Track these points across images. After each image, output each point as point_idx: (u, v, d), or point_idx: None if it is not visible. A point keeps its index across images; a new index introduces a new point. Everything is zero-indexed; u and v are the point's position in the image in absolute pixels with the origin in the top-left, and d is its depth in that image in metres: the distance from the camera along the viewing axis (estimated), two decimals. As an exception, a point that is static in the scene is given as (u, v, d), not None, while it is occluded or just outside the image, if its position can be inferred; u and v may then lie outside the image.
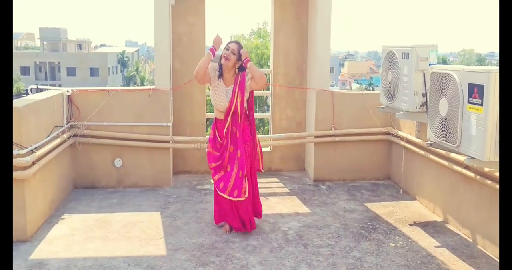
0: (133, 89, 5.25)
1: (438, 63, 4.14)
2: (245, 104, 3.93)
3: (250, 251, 3.64)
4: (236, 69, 3.88)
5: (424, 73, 3.93)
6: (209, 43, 5.44)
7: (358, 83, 58.44)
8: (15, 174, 3.58)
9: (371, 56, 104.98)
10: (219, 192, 3.90)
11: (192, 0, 5.45)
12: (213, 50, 3.83)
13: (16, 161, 3.55)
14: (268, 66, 6.04)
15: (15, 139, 3.56)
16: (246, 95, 3.90)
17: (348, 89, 53.53)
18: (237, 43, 3.87)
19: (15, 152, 3.55)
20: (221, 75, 3.89)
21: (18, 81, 44.14)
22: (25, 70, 49.60)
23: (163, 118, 5.07)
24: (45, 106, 4.20)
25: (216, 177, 3.95)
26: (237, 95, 3.82)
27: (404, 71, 4.09)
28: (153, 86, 5.11)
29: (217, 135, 3.96)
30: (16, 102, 3.81)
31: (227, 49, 3.81)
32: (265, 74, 6.96)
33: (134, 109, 5.02)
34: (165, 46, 5.02)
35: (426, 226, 4.23)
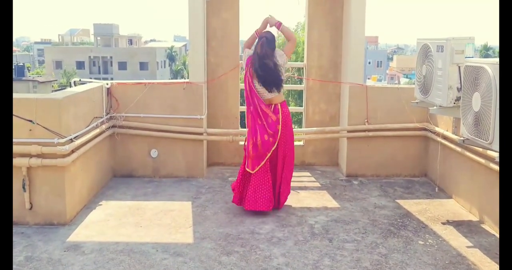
0: (169, 83, 5.41)
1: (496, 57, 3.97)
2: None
3: (274, 243, 3.69)
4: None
5: (459, 67, 3.78)
6: (243, 37, 5.51)
7: (407, 77, 56.42)
8: (55, 161, 3.83)
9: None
10: None
11: (226, -5, 5.53)
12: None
13: (55, 149, 3.79)
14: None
15: (55, 128, 3.79)
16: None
17: (396, 84, 51.85)
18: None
19: (55, 140, 3.79)
20: None
21: (74, 75, 46.46)
22: (80, 65, 52.17)
23: (197, 111, 5.20)
24: (84, 98, 4.43)
25: None
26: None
27: (438, 65, 3.95)
28: (187, 80, 5.24)
29: None
30: (56, 94, 4.07)
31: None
32: (299, 68, 6.93)
33: (170, 102, 5.18)
34: (199, 41, 5.14)
35: (459, 225, 4.09)
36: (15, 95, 3.69)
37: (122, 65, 51.66)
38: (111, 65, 52.25)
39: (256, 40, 4.25)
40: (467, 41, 3.75)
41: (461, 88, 3.75)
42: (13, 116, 3.58)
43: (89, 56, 52.49)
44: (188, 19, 5.05)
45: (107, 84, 4.99)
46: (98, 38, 57.75)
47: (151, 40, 78.88)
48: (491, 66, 3.07)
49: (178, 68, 55.83)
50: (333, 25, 5.60)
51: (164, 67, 56.08)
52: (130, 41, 63.48)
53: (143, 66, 51.55)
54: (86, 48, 56.10)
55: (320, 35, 5.63)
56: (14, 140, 3.63)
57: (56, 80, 43.57)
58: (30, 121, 3.73)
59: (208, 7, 5.42)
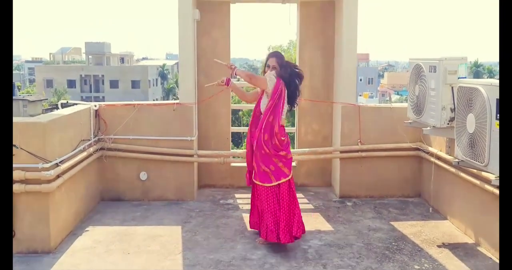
0: (158, 104, 5.32)
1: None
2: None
3: (267, 270, 3.57)
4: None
5: (452, 88, 3.76)
6: (234, 55, 5.47)
7: (398, 94, 57.03)
8: (39, 187, 3.69)
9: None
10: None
11: (217, 15, 5.51)
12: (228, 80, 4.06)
13: (40, 174, 3.66)
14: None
15: (39, 153, 3.67)
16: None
17: (387, 101, 52.28)
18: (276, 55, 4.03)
19: (39, 165, 3.66)
20: None
21: (65, 94, 46.23)
22: (71, 83, 52.00)
23: (187, 132, 5.11)
24: (70, 121, 4.32)
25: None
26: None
27: (431, 85, 3.92)
28: (177, 101, 5.16)
29: None
30: (40, 118, 3.96)
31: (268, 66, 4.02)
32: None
33: (159, 123, 5.08)
34: (189, 61, 5.08)
35: (455, 248, 3.99)
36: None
37: (114, 84, 51.56)
38: (103, 83, 52.13)
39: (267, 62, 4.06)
40: (459, 61, 3.73)
41: (454, 109, 3.71)
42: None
43: (81, 75, 52.38)
44: (178, 40, 5.00)
45: (95, 106, 4.89)
46: (90, 56, 57.75)
47: (143, 58, 79.02)
48: (485, 87, 3.04)
49: (170, 86, 55.88)
50: (324, 45, 5.59)
51: (156, 85, 56.09)
52: (122, 60, 63.54)
53: (135, 84, 51.50)
54: (77, 67, 56.02)
55: (311, 54, 5.62)
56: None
57: (47, 99, 43.26)
58: (14, 145, 3.60)
59: (198, 26, 5.38)
